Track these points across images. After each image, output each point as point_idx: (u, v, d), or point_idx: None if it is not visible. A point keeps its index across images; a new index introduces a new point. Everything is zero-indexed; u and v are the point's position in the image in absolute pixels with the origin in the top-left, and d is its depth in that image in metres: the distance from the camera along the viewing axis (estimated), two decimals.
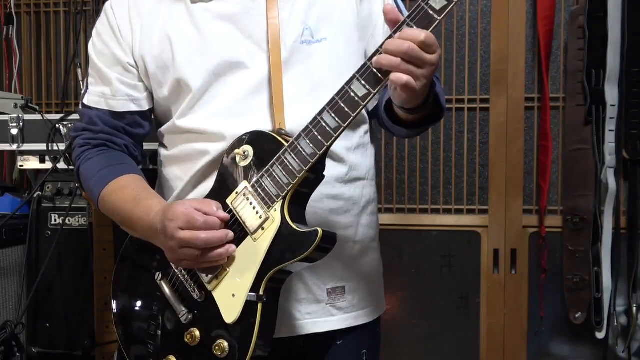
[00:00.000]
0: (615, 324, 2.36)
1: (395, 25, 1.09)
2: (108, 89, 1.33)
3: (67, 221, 2.11)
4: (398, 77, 1.06)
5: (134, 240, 1.34)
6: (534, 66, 2.46)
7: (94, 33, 1.37)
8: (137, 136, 1.38)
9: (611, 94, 2.32)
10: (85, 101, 1.37)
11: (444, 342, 2.54)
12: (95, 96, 1.35)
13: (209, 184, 1.27)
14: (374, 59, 1.08)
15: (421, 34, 1.05)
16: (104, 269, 1.94)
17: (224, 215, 1.16)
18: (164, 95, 1.31)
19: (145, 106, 1.35)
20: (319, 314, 1.31)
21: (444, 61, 2.49)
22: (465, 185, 2.53)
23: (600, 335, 2.37)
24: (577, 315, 2.40)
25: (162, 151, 1.39)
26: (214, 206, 1.15)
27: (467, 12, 2.50)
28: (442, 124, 2.52)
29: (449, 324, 2.53)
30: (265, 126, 1.23)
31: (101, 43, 1.34)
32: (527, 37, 2.45)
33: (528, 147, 2.48)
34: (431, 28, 1.07)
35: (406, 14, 1.34)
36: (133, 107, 1.34)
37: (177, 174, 1.34)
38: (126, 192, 1.27)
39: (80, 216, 2.11)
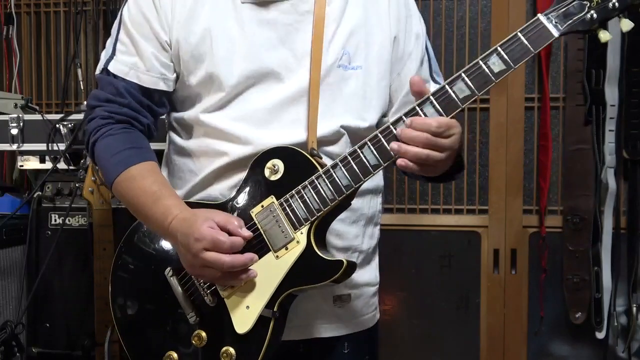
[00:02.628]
0: (615, 324, 2.36)
1: (419, 97, 1.12)
2: (141, 62, 1.27)
3: (67, 221, 2.11)
4: (407, 165, 1.10)
5: (143, 229, 1.32)
6: (534, 66, 2.45)
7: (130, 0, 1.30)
8: (159, 115, 1.34)
9: (611, 94, 2.32)
10: (110, 68, 1.29)
11: (444, 342, 2.54)
12: (124, 66, 1.28)
13: (222, 185, 1.27)
14: (392, 144, 1.11)
15: (432, 124, 1.08)
16: (104, 269, 1.94)
17: (248, 234, 1.15)
18: (191, 83, 1.28)
19: (172, 87, 1.31)
20: (325, 320, 1.32)
21: (444, 61, 2.49)
22: (465, 185, 2.53)
23: (600, 335, 2.37)
24: (577, 315, 2.40)
25: (176, 138, 1.36)
26: (236, 223, 1.14)
27: (467, 12, 2.50)
28: None
29: (449, 324, 2.53)
30: (296, 139, 1.23)
31: (139, 13, 1.28)
32: None
33: (528, 147, 2.48)
34: (452, 114, 1.10)
35: (432, 55, 1.39)
36: (163, 86, 1.29)
37: (190, 167, 1.32)
38: (145, 183, 1.23)
39: (80, 216, 2.11)
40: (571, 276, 2.40)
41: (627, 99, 2.32)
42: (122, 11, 1.32)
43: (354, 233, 1.32)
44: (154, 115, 1.33)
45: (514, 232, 2.47)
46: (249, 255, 1.14)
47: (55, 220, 2.13)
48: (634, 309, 2.35)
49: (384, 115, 1.36)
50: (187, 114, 1.31)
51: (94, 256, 1.97)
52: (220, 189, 1.27)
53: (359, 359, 1.39)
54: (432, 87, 1.34)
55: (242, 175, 1.24)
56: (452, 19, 2.51)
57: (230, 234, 1.13)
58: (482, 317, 2.50)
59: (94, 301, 1.96)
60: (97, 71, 1.33)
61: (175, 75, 1.30)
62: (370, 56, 1.29)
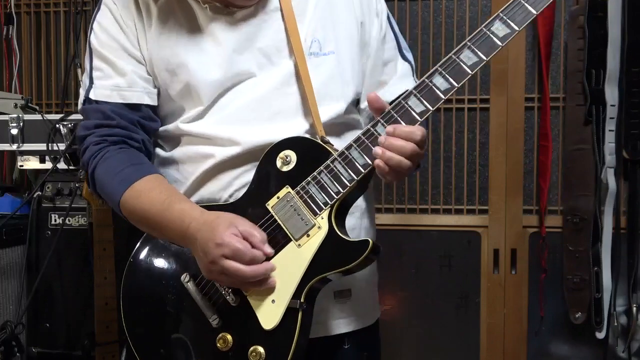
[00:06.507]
0: (615, 324, 2.36)
1: (379, 114, 1.14)
2: (122, 80, 1.27)
3: (67, 221, 2.11)
4: (384, 170, 1.12)
5: (152, 241, 1.29)
6: (534, 66, 2.46)
7: (95, 26, 1.30)
8: (151, 131, 1.33)
9: (611, 94, 2.32)
10: (92, 96, 1.28)
11: (444, 342, 2.54)
12: (105, 90, 1.28)
13: (212, 186, 1.26)
14: (376, 149, 1.12)
15: (417, 133, 1.11)
16: (104, 269, 1.94)
17: (270, 251, 1.14)
18: (172, 96, 1.28)
19: (156, 101, 1.31)
20: (326, 317, 1.30)
21: None
22: (465, 185, 2.53)
23: (600, 335, 2.36)
24: (577, 315, 2.40)
25: (160, 151, 1.35)
26: (259, 236, 1.13)
27: (467, 12, 2.50)
28: (442, 124, 2.52)
29: (449, 324, 2.53)
30: (289, 133, 1.23)
31: (107, 36, 1.28)
32: (527, 37, 2.45)
33: (528, 147, 2.48)
34: (462, 82, 1.12)
35: (399, 33, 1.41)
36: (148, 100, 1.29)
37: (175, 177, 1.31)
38: (153, 194, 1.21)
39: (80, 216, 2.11)
40: (571, 276, 2.40)
41: (627, 99, 2.32)
42: (89, 40, 1.31)
43: (350, 225, 1.30)
44: (146, 131, 1.31)
45: (514, 232, 2.47)
46: (268, 265, 1.13)
47: (55, 220, 2.13)
48: (634, 309, 2.35)
49: (357, 100, 1.36)
50: (168, 126, 1.31)
51: (94, 256, 1.97)
52: (210, 191, 1.26)
53: (360, 354, 1.38)
54: (400, 64, 1.39)
55: (230, 175, 1.24)
56: (452, 19, 2.50)
57: (251, 245, 1.12)
58: (482, 317, 2.50)
59: (94, 301, 1.95)
60: (79, 105, 1.32)
61: (156, 89, 1.30)
62: (340, 41, 1.30)
